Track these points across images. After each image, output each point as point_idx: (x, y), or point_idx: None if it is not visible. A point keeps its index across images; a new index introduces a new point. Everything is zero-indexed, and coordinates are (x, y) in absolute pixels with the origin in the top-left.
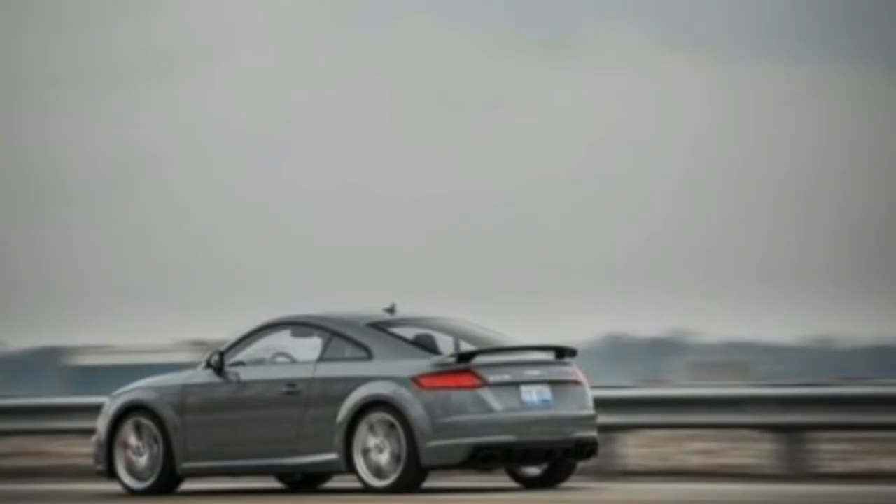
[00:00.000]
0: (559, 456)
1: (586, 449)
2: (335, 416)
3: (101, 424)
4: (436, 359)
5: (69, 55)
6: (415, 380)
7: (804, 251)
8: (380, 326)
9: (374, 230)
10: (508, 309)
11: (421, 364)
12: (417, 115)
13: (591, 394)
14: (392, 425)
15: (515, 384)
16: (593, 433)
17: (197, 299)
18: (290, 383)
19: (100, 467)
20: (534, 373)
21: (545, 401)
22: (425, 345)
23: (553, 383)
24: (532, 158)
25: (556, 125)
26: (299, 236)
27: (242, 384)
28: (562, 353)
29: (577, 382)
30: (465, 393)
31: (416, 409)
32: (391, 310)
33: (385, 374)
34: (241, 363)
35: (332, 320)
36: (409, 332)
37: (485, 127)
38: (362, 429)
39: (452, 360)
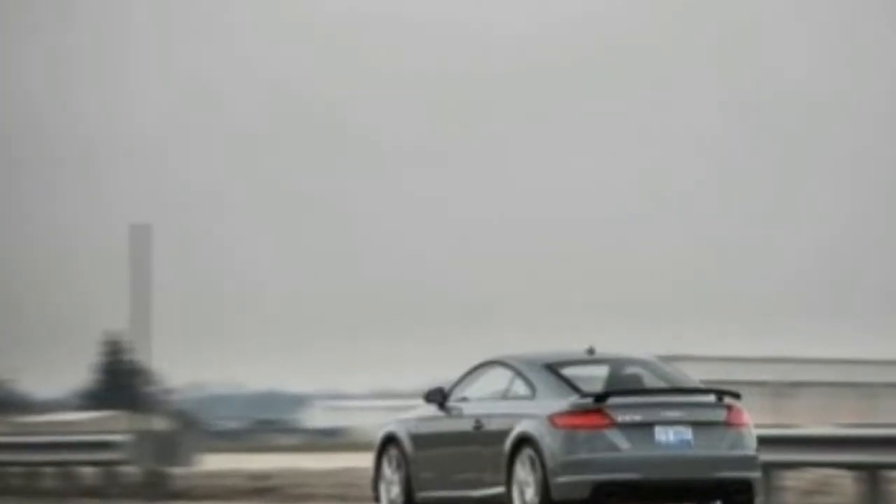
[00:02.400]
0: (700, 495)
1: (733, 488)
2: (502, 451)
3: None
4: (574, 398)
5: None
6: (550, 418)
7: None
8: (553, 367)
9: None
10: None
11: (561, 403)
12: None
13: (752, 435)
14: (534, 461)
15: (649, 424)
16: (744, 473)
17: None
18: (478, 419)
19: (373, 493)
20: (673, 414)
21: (684, 441)
22: (575, 385)
23: (697, 424)
24: None
25: None
26: None
27: (453, 419)
28: (721, 395)
29: (730, 424)
30: (592, 432)
31: (548, 446)
32: (591, 351)
33: (535, 412)
34: (464, 399)
35: (519, 360)
36: (583, 372)
37: None
38: (517, 464)
39: (589, 399)
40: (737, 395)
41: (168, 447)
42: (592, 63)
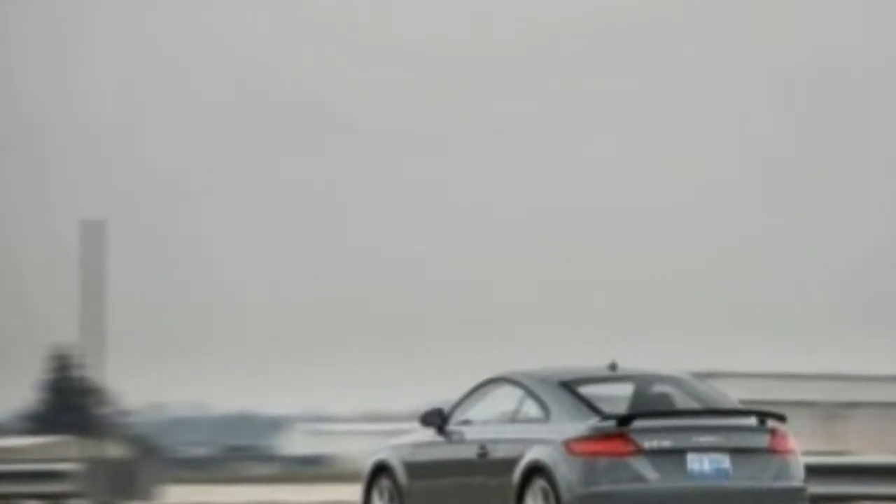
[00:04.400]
0: None
1: None
2: (510, 482)
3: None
4: (593, 421)
5: None
6: (566, 444)
7: None
8: (570, 385)
9: None
10: None
11: (577, 427)
12: None
13: (800, 463)
14: (548, 493)
15: (680, 451)
16: None
17: None
18: (483, 445)
19: None
20: (707, 439)
21: (720, 470)
22: (595, 405)
23: (736, 451)
24: None
25: None
26: None
27: (454, 445)
28: (764, 418)
29: (773, 450)
30: (615, 460)
31: (564, 477)
32: (613, 367)
33: (548, 437)
34: (467, 422)
35: (530, 377)
36: (604, 390)
37: None
38: (528, 496)
39: (611, 423)
40: (782, 418)
41: (125, 477)
42: (612, 34)
